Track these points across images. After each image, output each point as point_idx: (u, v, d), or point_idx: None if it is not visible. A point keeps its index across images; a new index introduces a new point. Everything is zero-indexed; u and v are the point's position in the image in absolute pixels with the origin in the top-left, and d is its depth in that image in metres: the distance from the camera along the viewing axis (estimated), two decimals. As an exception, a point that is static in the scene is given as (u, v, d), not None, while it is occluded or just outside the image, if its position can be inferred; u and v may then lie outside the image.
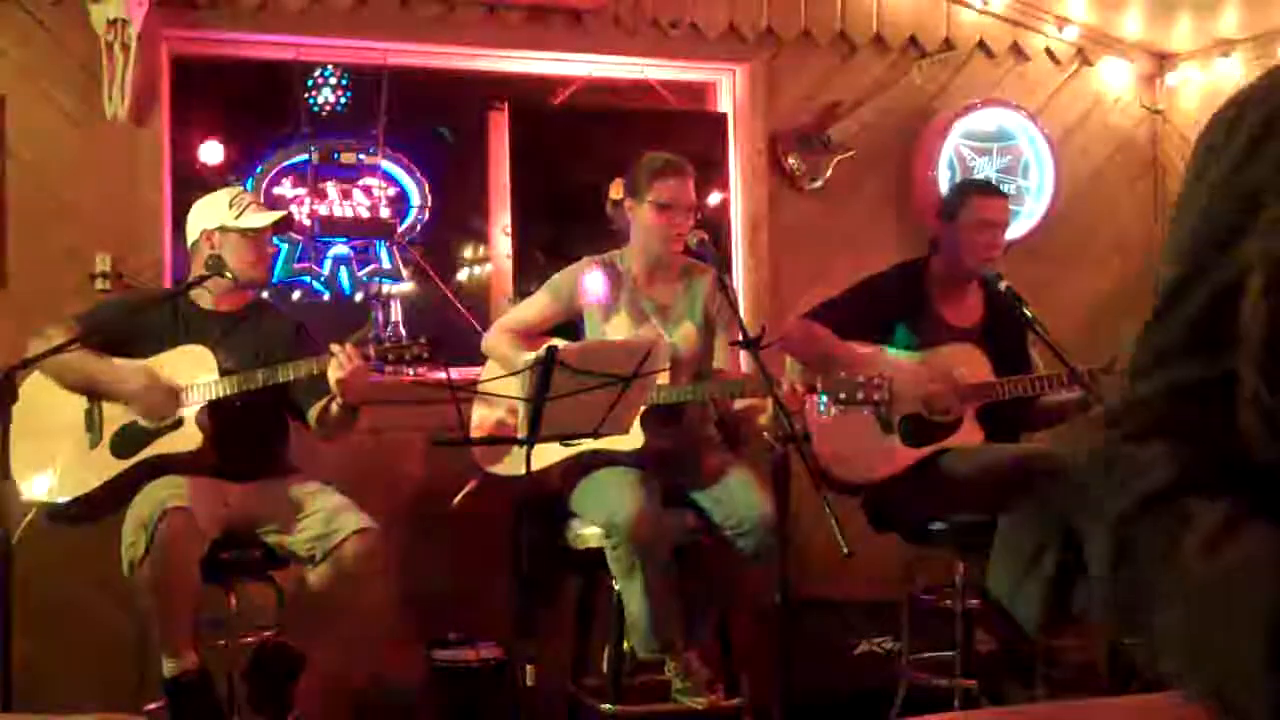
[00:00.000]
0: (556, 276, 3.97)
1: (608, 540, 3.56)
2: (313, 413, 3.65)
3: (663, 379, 3.68)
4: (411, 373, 3.43)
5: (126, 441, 3.57)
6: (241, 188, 3.99)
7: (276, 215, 3.78)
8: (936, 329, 3.99)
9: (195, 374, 3.57)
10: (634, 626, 3.62)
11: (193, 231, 3.77)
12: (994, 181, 4.63)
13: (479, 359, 4.09)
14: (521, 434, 3.26)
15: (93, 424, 3.59)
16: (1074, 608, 4.31)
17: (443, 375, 3.37)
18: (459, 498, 3.98)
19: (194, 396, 3.55)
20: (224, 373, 3.58)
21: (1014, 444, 3.92)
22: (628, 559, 3.53)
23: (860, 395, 3.53)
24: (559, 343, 3.53)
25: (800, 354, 3.97)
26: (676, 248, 3.83)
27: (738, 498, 3.67)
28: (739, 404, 3.85)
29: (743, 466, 3.80)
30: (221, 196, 3.78)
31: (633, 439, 3.61)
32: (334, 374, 3.43)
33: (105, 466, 3.55)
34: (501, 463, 3.83)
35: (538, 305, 3.95)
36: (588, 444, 3.48)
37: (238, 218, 3.70)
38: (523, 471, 3.23)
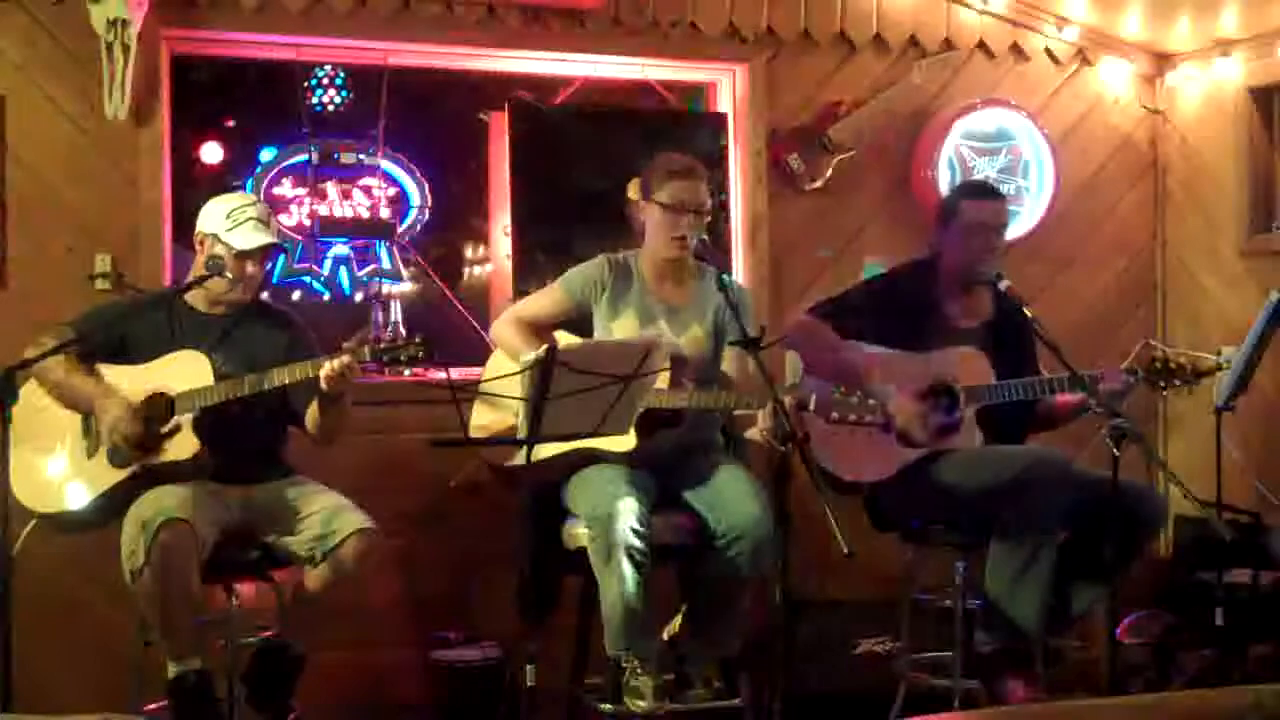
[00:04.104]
0: (571, 271, 3.93)
1: (589, 533, 3.57)
2: (310, 414, 3.64)
3: (663, 382, 3.67)
4: (407, 373, 3.42)
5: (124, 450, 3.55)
6: (251, 198, 3.84)
7: (266, 241, 3.67)
8: (942, 330, 3.98)
9: (191, 379, 3.55)
10: (607, 622, 3.62)
11: (196, 230, 3.75)
12: (992, 183, 4.62)
13: (479, 359, 4.09)
14: (521, 433, 3.26)
15: (90, 432, 3.58)
16: (1072, 606, 4.31)
17: (443, 375, 3.37)
18: (458, 479, 3.97)
19: (185, 406, 3.52)
20: (220, 378, 3.56)
21: (1007, 446, 3.91)
22: (605, 553, 3.52)
23: (852, 416, 3.52)
24: (561, 339, 3.53)
25: (804, 351, 3.96)
26: (679, 250, 3.81)
27: (729, 501, 3.64)
28: (739, 411, 3.84)
29: (736, 467, 3.78)
30: (227, 203, 3.72)
31: (624, 440, 3.60)
32: (324, 373, 3.43)
33: (103, 476, 3.54)
34: (502, 453, 3.82)
35: (548, 298, 3.93)
36: (581, 441, 3.47)
37: (229, 231, 3.64)
38: (522, 460, 3.23)
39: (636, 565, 3.53)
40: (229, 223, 3.65)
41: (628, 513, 3.51)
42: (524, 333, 3.83)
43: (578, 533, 3.70)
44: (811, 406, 3.53)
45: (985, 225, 3.98)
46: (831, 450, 3.79)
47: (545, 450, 3.53)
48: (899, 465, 3.85)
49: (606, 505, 3.53)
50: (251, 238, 3.65)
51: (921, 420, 3.83)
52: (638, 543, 3.52)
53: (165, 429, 3.52)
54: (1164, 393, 3.93)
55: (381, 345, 3.41)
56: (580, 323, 3.89)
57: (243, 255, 3.65)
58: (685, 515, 3.73)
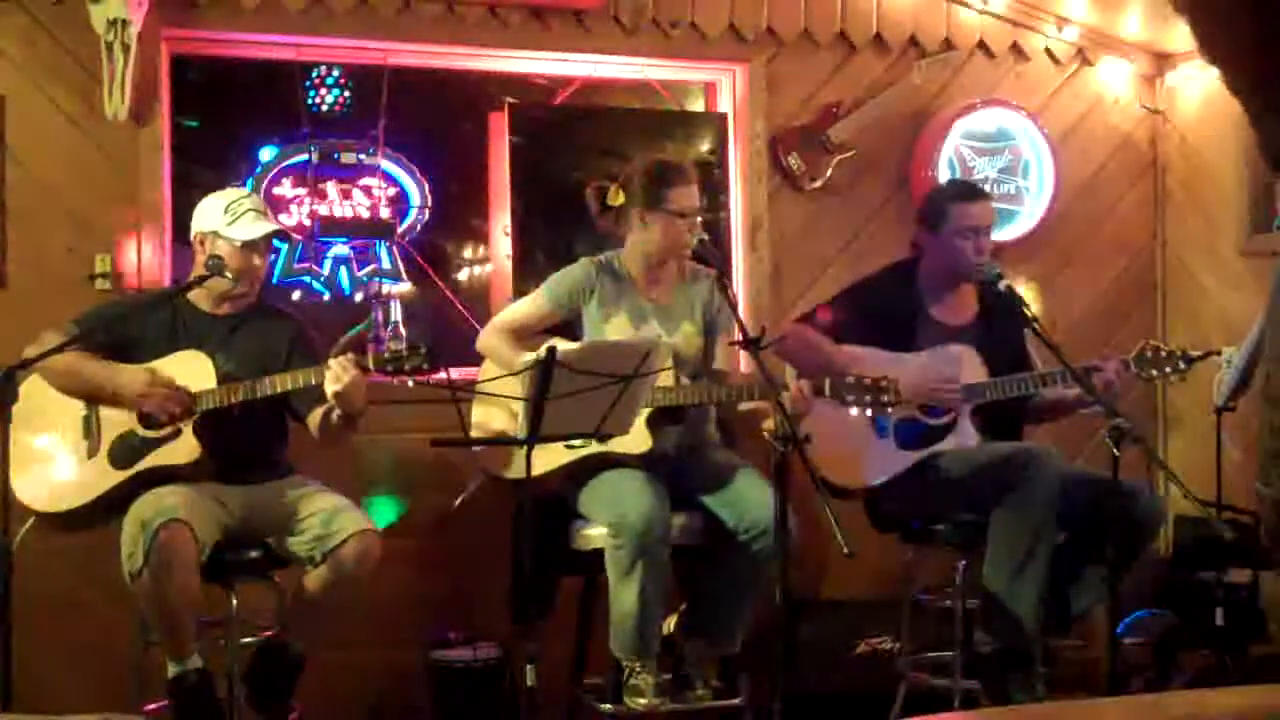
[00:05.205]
0: (554, 276, 3.97)
1: (613, 540, 3.56)
2: (313, 419, 3.63)
3: (667, 380, 3.68)
4: (411, 382, 3.41)
5: (125, 451, 3.55)
6: (245, 191, 3.89)
7: (269, 229, 3.68)
8: (930, 330, 3.99)
9: (194, 380, 3.56)
10: (619, 627, 3.61)
11: (192, 230, 3.75)
12: (975, 181, 4.62)
13: (478, 359, 4.09)
14: (521, 435, 3.26)
15: (90, 432, 3.58)
16: (1072, 606, 4.30)
17: (443, 375, 3.37)
18: (460, 499, 3.97)
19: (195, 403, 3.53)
20: (223, 379, 3.56)
21: (1009, 442, 3.92)
22: (629, 560, 3.52)
23: (868, 397, 3.53)
24: (559, 343, 3.53)
25: (796, 360, 3.97)
26: (688, 252, 3.84)
27: (749, 499, 3.65)
28: (744, 406, 3.85)
29: (749, 467, 3.80)
30: (222, 198, 3.73)
31: (640, 442, 3.61)
32: (331, 387, 3.41)
33: (103, 477, 3.54)
34: (505, 465, 3.82)
35: (534, 305, 3.95)
36: (594, 446, 3.48)
37: (230, 225, 3.64)
38: (524, 474, 3.23)
39: (658, 574, 3.53)
40: (228, 217, 3.65)
41: (656, 522, 3.52)
42: (513, 340, 3.84)
43: (590, 535, 3.69)
44: (828, 391, 3.54)
45: (976, 229, 3.99)
46: (825, 456, 3.80)
47: (557, 459, 3.53)
48: (893, 471, 3.86)
49: (636, 515, 3.52)
50: (253, 228, 3.65)
51: (929, 384, 3.84)
52: (664, 552, 3.53)
53: (168, 431, 3.52)
54: (1157, 381, 3.92)
55: (386, 356, 3.39)
56: (564, 327, 3.90)
57: (248, 246, 3.65)
58: (695, 515, 3.74)
